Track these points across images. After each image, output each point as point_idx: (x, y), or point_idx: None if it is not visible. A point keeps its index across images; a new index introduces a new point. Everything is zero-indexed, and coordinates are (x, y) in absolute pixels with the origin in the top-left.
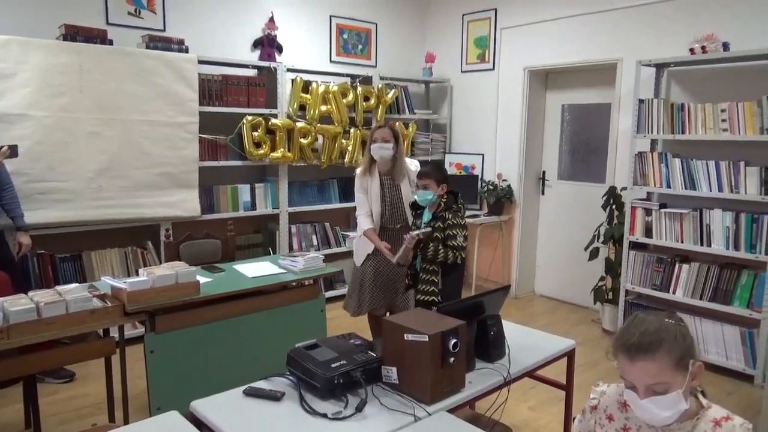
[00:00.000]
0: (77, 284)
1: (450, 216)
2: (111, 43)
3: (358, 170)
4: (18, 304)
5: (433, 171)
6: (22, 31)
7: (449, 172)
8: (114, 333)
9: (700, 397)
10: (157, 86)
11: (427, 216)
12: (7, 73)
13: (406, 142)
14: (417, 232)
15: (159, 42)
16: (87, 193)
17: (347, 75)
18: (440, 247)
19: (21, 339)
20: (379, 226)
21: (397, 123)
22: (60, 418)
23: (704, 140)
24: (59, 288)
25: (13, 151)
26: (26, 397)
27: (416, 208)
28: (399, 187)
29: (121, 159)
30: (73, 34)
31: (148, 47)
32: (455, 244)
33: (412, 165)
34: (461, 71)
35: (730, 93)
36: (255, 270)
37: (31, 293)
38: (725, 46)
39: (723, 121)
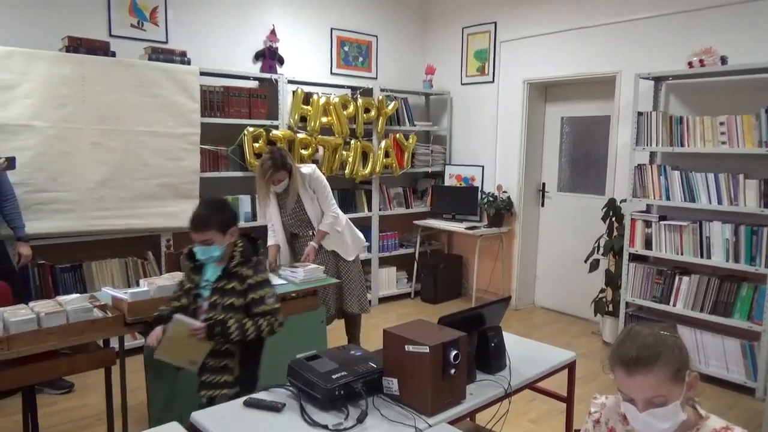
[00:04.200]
0: (78, 294)
1: (251, 272)
2: (114, 54)
3: (258, 198)
4: (18, 314)
5: (213, 214)
6: (25, 43)
7: (449, 184)
8: (114, 343)
9: (698, 407)
10: (158, 97)
11: (211, 272)
12: (10, 84)
13: (406, 154)
14: (184, 318)
15: (161, 54)
16: (88, 203)
17: (348, 87)
18: (246, 320)
19: (21, 349)
20: (287, 234)
21: (397, 134)
22: (58, 429)
23: (703, 153)
24: (60, 298)
25: (10, 163)
26: (25, 407)
27: (192, 259)
28: (296, 196)
29: (122, 169)
30: (76, 45)
31: (150, 59)
32: (266, 308)
33: (305, 169)
34: (461, 83)
35: (728, 106)
36: None
37: (31, 303)
38: (723, 60)
39: (722, 133)
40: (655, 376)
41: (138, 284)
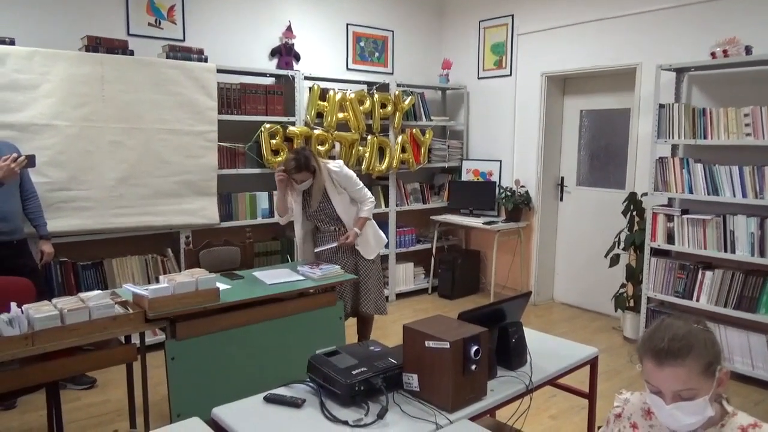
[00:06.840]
0: (100, 291)
1: None
2: (132, 53)
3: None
4: (42, 311)
5: None
6: (45, 43)
7: (466, 178)
8: (135, 339)
9: (725, 403)
10: (176, 95)
11: None
12: (31, 84)
13: (423, 149)
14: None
15: (179, 52)
16: (108, 201)
17: (364, 82)
18: None
19: (45, 345)
20: (311, 229)
21: (414, 129)
22: (81, 424)
23: (727, 145)
24: (82, 295)
25: (30, 160)
26: (49, 403)
27: None
28: (320, 194)
29: (141, 167)
30: (95, 45)
31: (168, 57)
32: None
33: (334, 166)
34: (478, 78)
35: (753, 97)
36: (274, 277)
37: (54, 300)
38: (748, 50)
39: (746, 125)
40: (686, 368)
41: (158, 281)
